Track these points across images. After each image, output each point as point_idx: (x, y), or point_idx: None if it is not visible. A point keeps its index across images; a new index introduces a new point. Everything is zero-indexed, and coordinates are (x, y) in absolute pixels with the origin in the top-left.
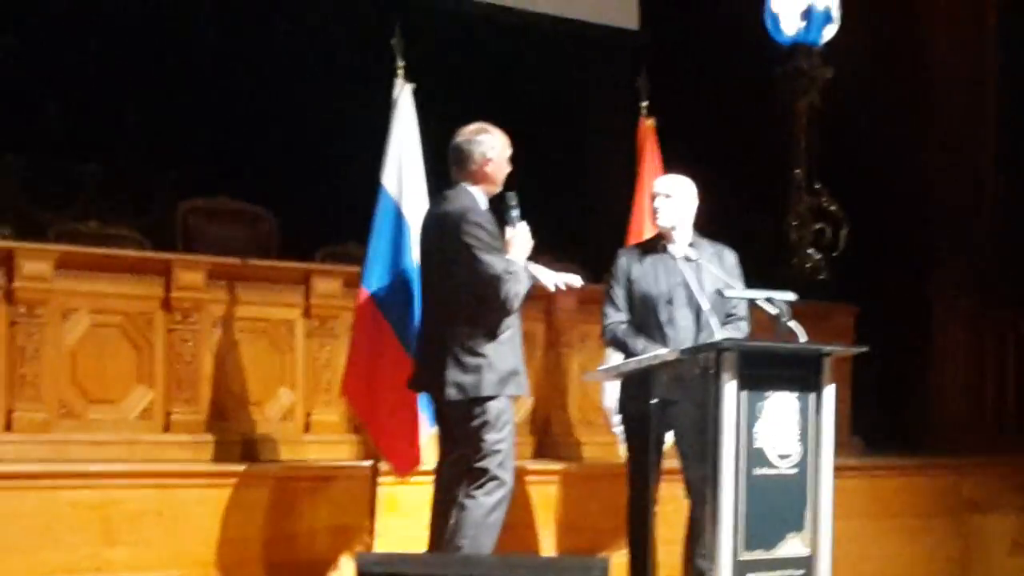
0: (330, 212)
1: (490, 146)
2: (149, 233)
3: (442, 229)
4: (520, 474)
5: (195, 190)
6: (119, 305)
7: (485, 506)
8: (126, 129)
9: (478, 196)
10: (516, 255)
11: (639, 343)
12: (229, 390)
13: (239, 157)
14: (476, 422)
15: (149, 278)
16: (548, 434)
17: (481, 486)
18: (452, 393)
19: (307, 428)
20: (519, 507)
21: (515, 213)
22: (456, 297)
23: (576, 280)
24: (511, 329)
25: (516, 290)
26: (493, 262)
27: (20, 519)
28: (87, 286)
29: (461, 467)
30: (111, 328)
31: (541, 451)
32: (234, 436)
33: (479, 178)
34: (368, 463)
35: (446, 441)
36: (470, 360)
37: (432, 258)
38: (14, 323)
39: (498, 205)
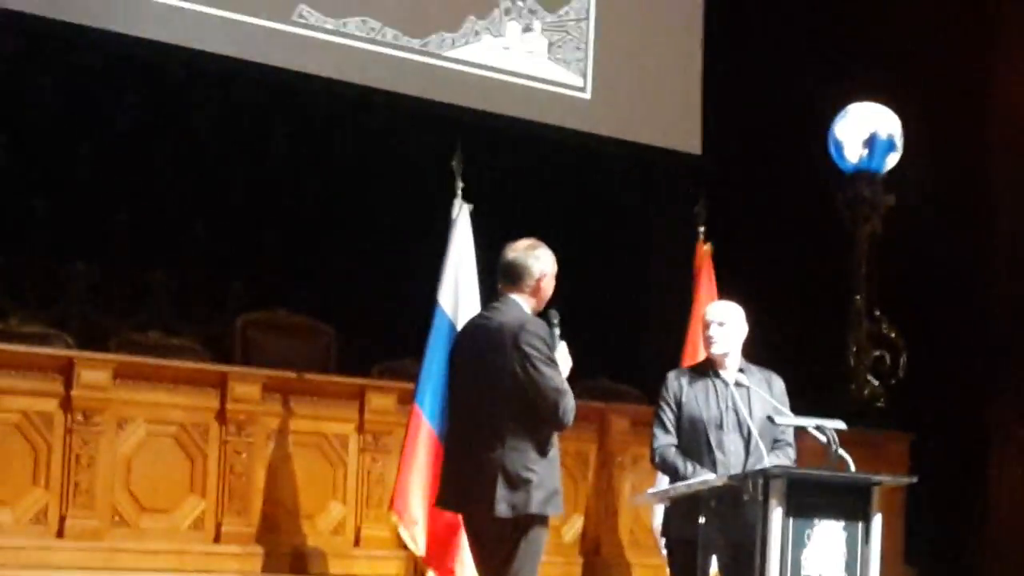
0: (388, 328)
1: (546, 261)
2: (209, 343)
3: (495, 340)
4: None
5: (259, 301)
6: (175, 415)
7: None
8: (194, 239)
9: (528, 310)
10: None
11: (688, 466)
12: (281, 502)
13: (302, 271)
14: (515, 541)
15: (205, 389)
16: (598, 555)
17: None
18: (503, 510)
19: (357, 542)
20: None
21: (557, 332)
22: (505, 411)
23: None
24: (555, 447)
25: (573, 405)
26: (554, 375)
27: None
28: (144, 396)
29: None
30: (166, 438)
31: (590, 572)
32: (285, 548)
33: (533, 293)
34: None
35: (486, 560)
36: (521, 476)
37: (474, 369)
38: (71, 430)
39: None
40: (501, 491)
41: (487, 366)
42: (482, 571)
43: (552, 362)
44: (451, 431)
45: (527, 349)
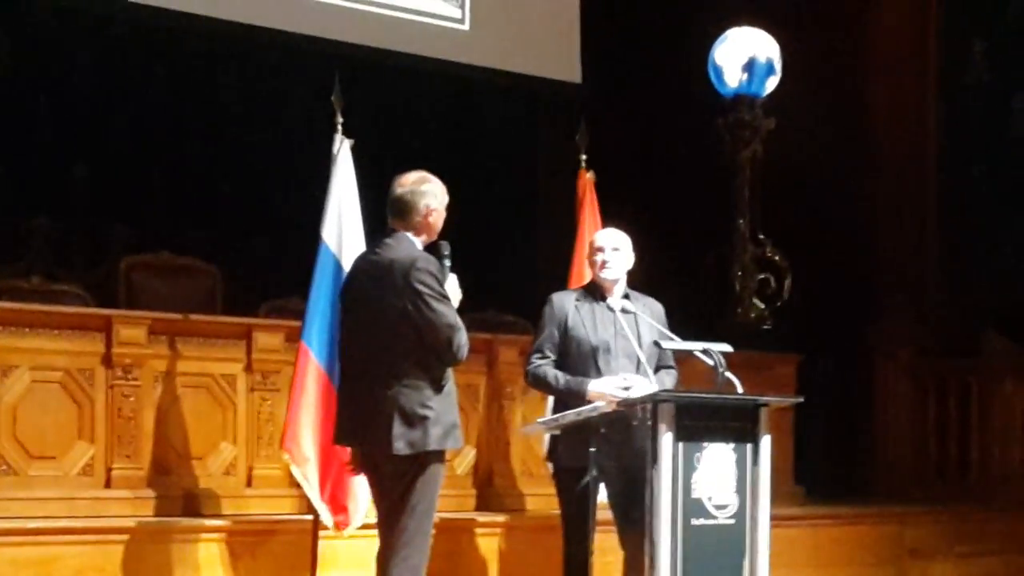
0: (273, 266)
1: (432, 195)
2: (93, 288)
3: (387, 277)
4: (463, 526)
5: (142, 244)
6: (60, 361)
7: (405, 571)
8: (74, 183)
9: (418, 245)
10: None
11: (561, 378)
12: (171, 445)
13: (185, 212)
14: (413, 477)
15: (90, 334)
16: (491, 486)
17: (401, 549)
18: (401, 447)
19: (249, 482)
20: (461, 559)
21: (447, 263)
22: (399, 348)
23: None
24: (451, 381)
25: (466, 340)
26: (446, 312)
27: None
28: (27, 342)
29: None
30: (52, 384)
31: (483, 503)
32: (176, 491)
33: (421, 228)
34: (309, 517)
35: (384, 497)
36: (418, 413)
37: (366, 307)
38: None
39: (432, 254)
40: (398, 429)
41: (379, 304)
42: (380, 507)
43: (444, 298)
44: (345, 369)
45: (419, 287)
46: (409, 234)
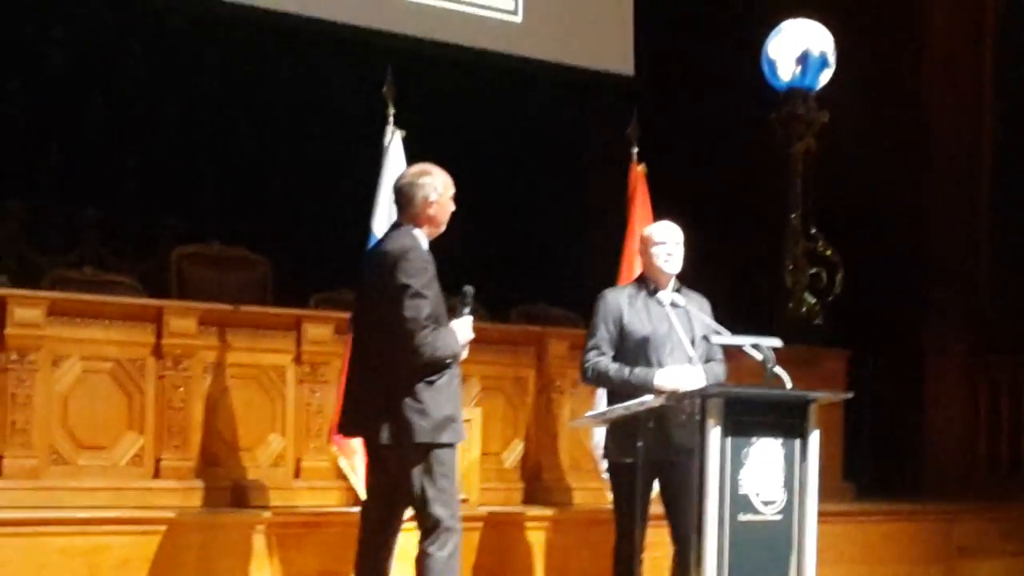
0: (324, 258)
1: (432, 188)
2: (145, 279)
3: (381, 267)
4: (511, 520)
5: (193, 235)
6: (110, 351)
7: (441, 560)
8: (126, 175)
9: (420, 237)
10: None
11: (625, 370)
12: (219, 436)
13: (236, 203)
14: (416, 468)
15: (141, 324)
16: (539, 480)
17: (435, 540)
18: (385, 437)
19: (297, 474)
20: (509, 553)
21: (466, 310)
22: (392, 338)
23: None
24: (449, 375)
25: (430, 340)
26: (417, 306)
27: (8, 566)
28: (79, 332)
29: (396, 512)
30: (102, 374)
31: (531, 497)
32: (224, 482)
33: (422, 220)
34: (357, 509)
35: (377, 483)
36: (405, 405)
37: (366, 297)
38: (5, 369)
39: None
40: (384, 420)
41: (375, 295)
42: (372, 496)
43: (420, 293)
44: (351, 358)
45: (399, 277)
46: (411, 226)
